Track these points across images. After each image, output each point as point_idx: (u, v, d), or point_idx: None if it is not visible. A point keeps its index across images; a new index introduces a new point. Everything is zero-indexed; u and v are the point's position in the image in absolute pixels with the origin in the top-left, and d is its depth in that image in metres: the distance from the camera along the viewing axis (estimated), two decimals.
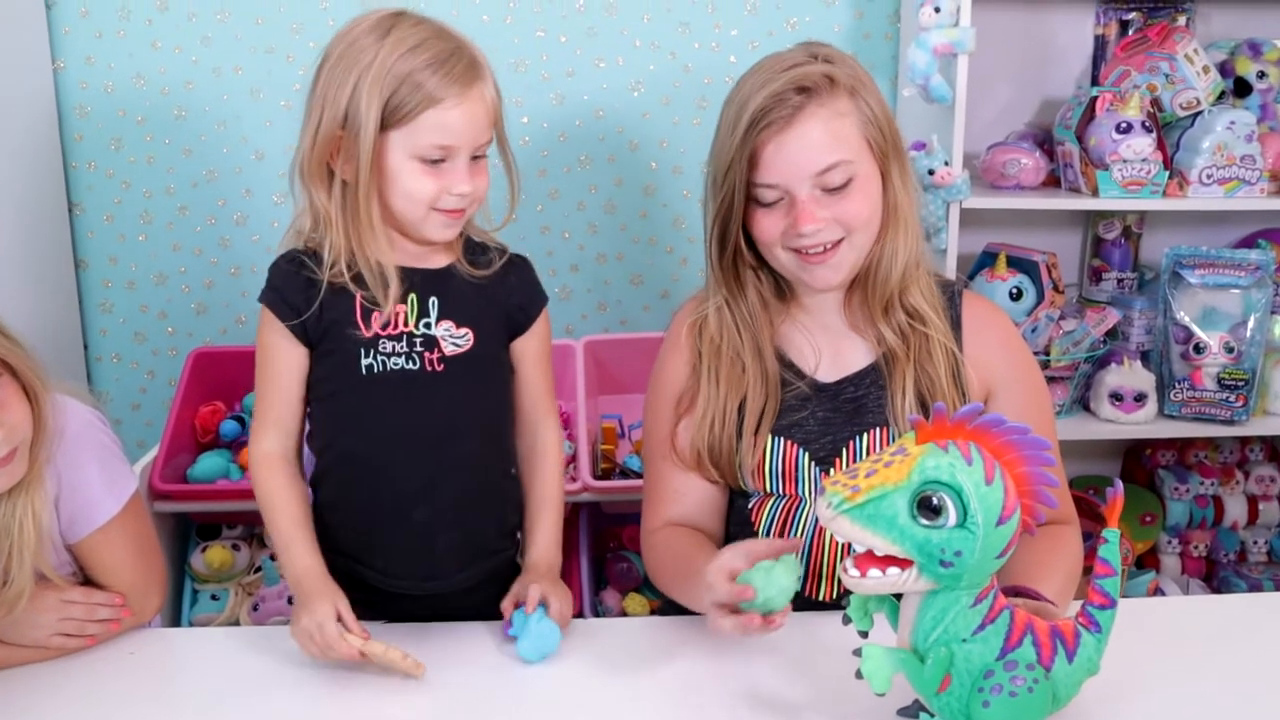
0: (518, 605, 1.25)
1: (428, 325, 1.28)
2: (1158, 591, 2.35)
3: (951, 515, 0.89)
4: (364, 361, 1.26)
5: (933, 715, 0.99)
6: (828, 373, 1.35)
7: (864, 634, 1.03)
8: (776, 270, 1.34)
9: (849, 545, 0.93)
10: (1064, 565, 1.27)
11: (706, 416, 1.33)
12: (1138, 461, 2.52)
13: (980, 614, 0.95)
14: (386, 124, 1.20)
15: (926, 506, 0.89)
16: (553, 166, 2.34)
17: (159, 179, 2.31)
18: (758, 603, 1.06)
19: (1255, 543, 2.46)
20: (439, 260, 1.31)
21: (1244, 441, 2.47)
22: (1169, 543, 2.45)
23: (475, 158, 1.25)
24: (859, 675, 0.96)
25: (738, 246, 1.31)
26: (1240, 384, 2.13)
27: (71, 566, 1.29)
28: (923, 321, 1.31)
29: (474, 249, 1.34)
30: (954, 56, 1.98)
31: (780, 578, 1.07)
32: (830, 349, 1.36)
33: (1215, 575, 2.47)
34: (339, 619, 1.17)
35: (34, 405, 1.16)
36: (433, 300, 1.29)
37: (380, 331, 1.26)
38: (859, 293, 1.34)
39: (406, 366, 1.27)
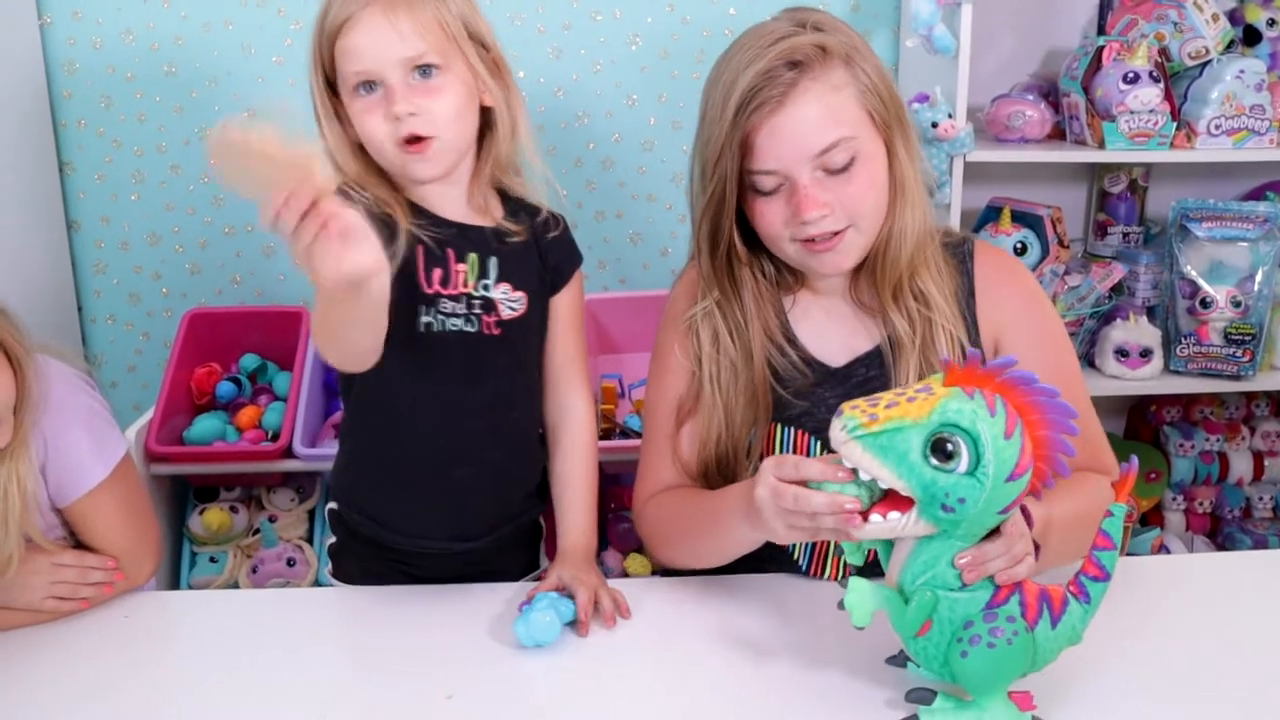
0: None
1: (486, 287, 1.24)
2: (1162, 548, 2.34)
3: (964, 461, 0.88)
4: (423, 319, 1.21)
5: (919, 665, 0.98)
6: (837, 356, 1.29)
7: (857, 569, 1.01)
8: (780, 259, 1.27)
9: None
10: (1075, 497, 1.13)
11: (711, 431, 1.27)
12: (1143, 418, 2.51)
13: None
14: (329, 77, 1.18)
15: (940, 448, 0.88)
16: (549, 122, 2.30)
17: (150, 137, 2.27)
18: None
19: (1261, 499, 2.45)
20: (483, 219, 1.27)
21: (1250, 397, 2.45)
22: (1174, 499, 2.44)
23: (423, 74, 1.15)
24: (841, 606, 0.95)
25: (731, 243, 1.23)
26: (1247, 339, 2.11)
27: (63, 530, 1.27)
28: (928, 305, 1.24)
29: (513, 207, 1.29)
30: (958, 6, 1.94)
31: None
32: (839, 330, 1.30)
33: (1220, 531, 2.46)
34: None
35: (17, 371, 1.14)
36: (492, 261, 1.24)
37: (441, 290, 1.21)
38: (867, 275, 1.27)
39: (465, 329, 1.22)
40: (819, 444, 1.26)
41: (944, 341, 1.24)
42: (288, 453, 2.01)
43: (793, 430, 1.27)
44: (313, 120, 1.23)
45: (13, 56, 2.13)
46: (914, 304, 1.24)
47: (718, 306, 1.27)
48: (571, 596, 1.18)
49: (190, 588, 2.10)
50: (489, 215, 1.27)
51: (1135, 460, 0.96)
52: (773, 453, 1.26)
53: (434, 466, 1.27)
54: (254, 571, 2.08)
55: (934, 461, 0.88)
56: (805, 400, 1.27)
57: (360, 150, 1.21)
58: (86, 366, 1.30)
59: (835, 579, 1.27)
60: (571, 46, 2.28)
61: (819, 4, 2.27)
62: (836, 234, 1.19)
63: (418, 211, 1.21)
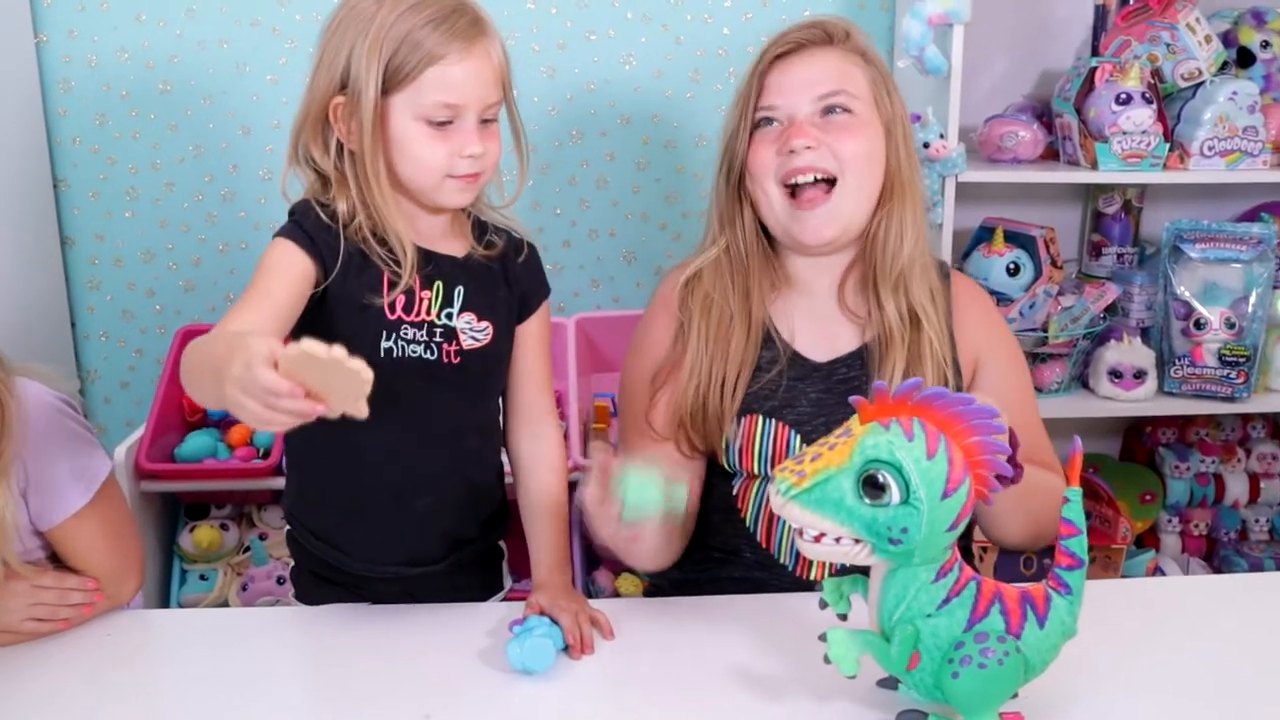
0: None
1: (449, 316, 1.23)
2: (1157, 571, 2.33)
3: (895, 492, 0.88)
4: (383, 344, 1.20)
5: (911, 689, 0.98)
6: (820, 353, 1.32)
7: (843, 617, 1.03)
8: (770, 230, 1.31)
9: None
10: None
11: (692, 378, 1.30)
12: (1138, 439, 2.50)
13: (944, 588, 0.94)
14: (388, 88, 1.16)
15: (873, 485, 0.89)
16: (543, 141, 2.30)
17: (145, 154, 2.28)
18: (625, 505, 1.02)
19: (1257, 521, 2.44)
20: (457, 248, 1.26)
21: (1246, 419, 2.44)
22: (1169, 521, 2.42)
23: (485, 122, 1.20)
24: (827, 660, 0.95)
25: (743, 176, 1.31)
26: (1241, 360, 2.10)
27: (45, 550, 1.27)
28: (918, 322, 1.28)
29: (482, 231, 1.29)
30: (949, 27, 1.94)
31: (649, 489, 1.02)
32: (822, 330, 1.33)
33: (1216, 554, 2.45)
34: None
35: None
36: (458, 290, 1.24)
37: (404, 316, 1.21)
38: (858, 271, 1.32)
39: (425, 356, 1.22)
40: (798, 437, 1.28)
41: (929, 358, 1.27)
42: (278, 470, 2.00)
43: (773, 423, 1.29)
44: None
45: (8, 74, 2.13)
46: (905, 312, 1.28)
47: (725, 253, 1.34)
48: (556, 621, 1.17)
49: (180, 605, 2.09)
50: (463, 241, 1.27)
51: (1078, 441, 0.95)
52: (752, 445, 1.29)
53: (392, 495, 1.26)
54: (244, 589, 2.07)
55: (868, 500, 0.89)
56: (787, 394, 1.29)
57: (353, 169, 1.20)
58: (76, 382, 1.29)
59: (821, 579, 1.27)
60: (565, 65, 2.28)
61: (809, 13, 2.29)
62: (825, 192, 1.25)
63: (380, 240, 1.20)
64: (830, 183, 1.26)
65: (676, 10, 2.27)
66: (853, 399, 0.93)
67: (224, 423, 2.15)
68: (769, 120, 1.29)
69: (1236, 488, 2.42)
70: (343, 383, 0.88)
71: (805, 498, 0.90)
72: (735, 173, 1.32)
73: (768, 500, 1.29)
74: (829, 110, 1.26)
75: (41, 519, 1.22)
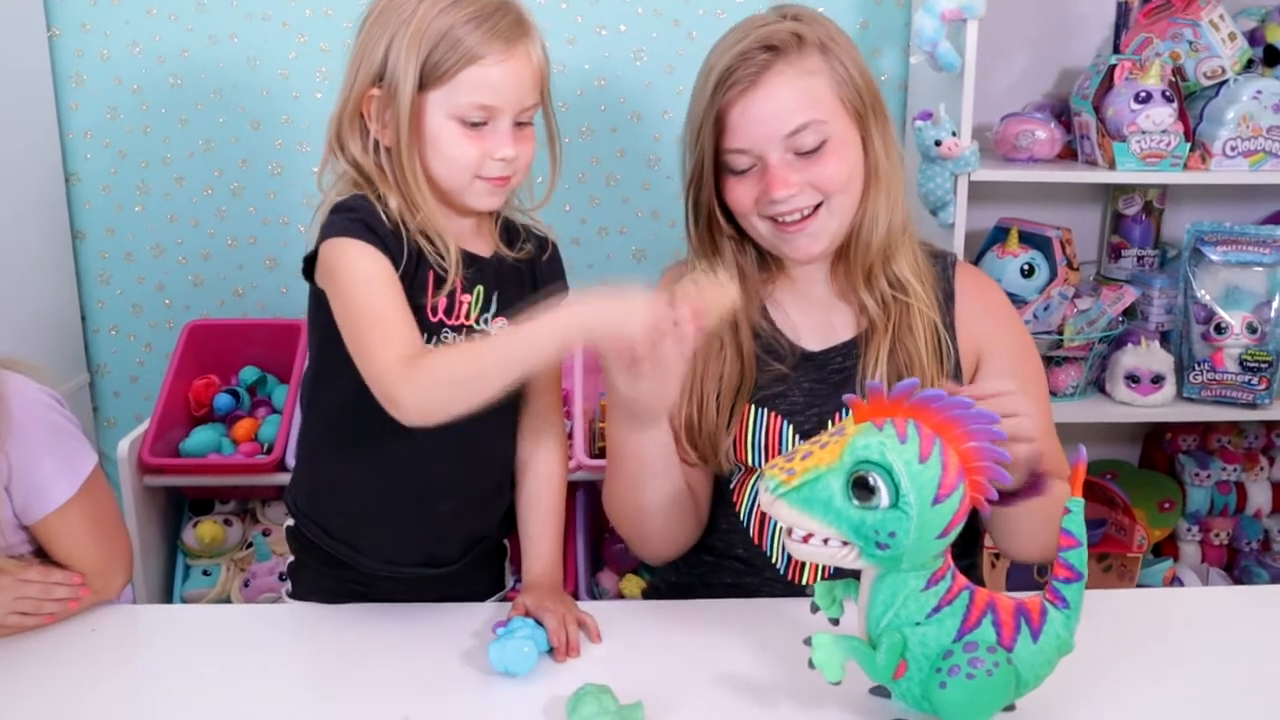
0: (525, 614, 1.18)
1: (485, 321, 1.21)
2: (1175, 580, 2.28)
3: (884, 495, 0.86)
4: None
5: (900, 698, 0.96)
6: (814, 341, 1.30)
7: (835, 621, 1.01)
8: (757, 241, 1.29)
9: None
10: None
11: (688, 396, 1.28)
12: (1158, 445, 2.45)
13: (936, 596, 0.91)
14: (425, 83, 1.13)
15: (862, 487, 0.86)
16: None
17: (155, 149, 2.27)
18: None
19: (1279, 531, 2.38)
20: (482, 247, 1.24)
21: (1270, 426, 2.39)
22: (1188, 530, 2.37)
23: (520, 124, 1.18)
24: (811, 665, 0.93)
25: (712, 215, 1.28)
26: (1263, 366, 2.05)
27: (30, 545, 1.26)
28: (905, 291, 1.26)
29: (510, 232, 1.27)
30: (963, 22, 1.90)
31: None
32: (818, 318, 1.31)
33: (1236, 564, 2.39)
34: None
35: None
36: (495, 295, 1.22)
37: (445, 319, 1.19)
38: (843, 260, 1.29)
39: None
40: (791, 427, 1.27)
41: (921, 328, 1.25)
42: (282, 466, 1.99)
43: (766, 412, 1.27)
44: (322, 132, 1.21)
45: (21, 67, 2.14)
46: (889, 289, 1.26)
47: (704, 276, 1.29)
48: (541, 624, 1.15)
49: (183, 600, 2.09)
50: (490, 241, 1.26)
51: (1083, 450, 0.93)
52: (745, 435, 1.27)
53: (416, 498, 1.24)
54: (246, 585, 2.07)
55: (856, 501, 0.87)
56: (781, 383, 1.28)
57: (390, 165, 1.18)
58: (84, 377, 1.28)
59: (813, 582, 1.26)
60: (576, 61, 2.26)
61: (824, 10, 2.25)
62: (807, 217, 1.22)
63: (430, 238, 1.18)
64: (816, 205, 1.23)
65: (688, 5, 2.24)
66: (847, 398, 0.91)
67: (230, 417, 2.14)
68: (739, 163, 1.23)
69: (1259, 496, 2.37)
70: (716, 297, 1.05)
71: (793, 496, 0.88)
72: (704, 213, 1.28)
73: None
74: (801, 144, 1.20)
75: (25, 513, 1.22)
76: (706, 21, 2.25)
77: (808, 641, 0.93)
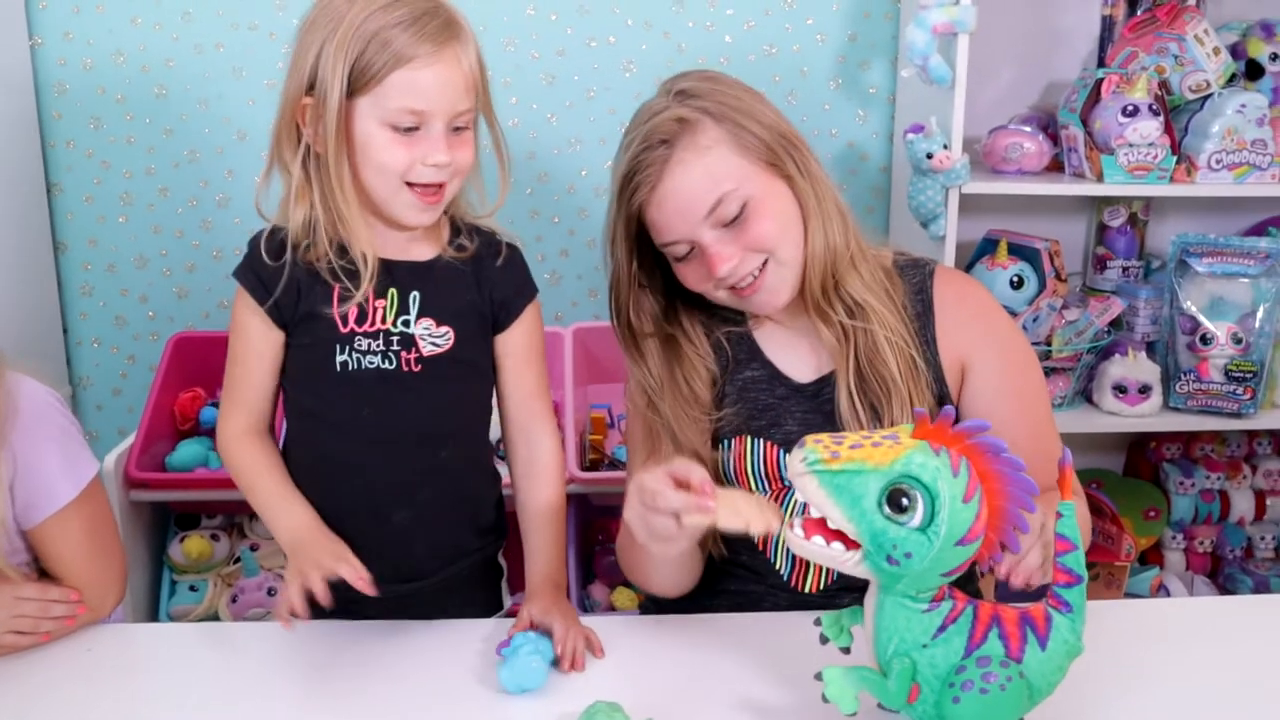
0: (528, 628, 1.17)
1: (406, 323, 1.20)
2: (1161, 588, 2.30)
3: (918, 516, 0.86)
4: (339, 358, 1.19)
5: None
6: (804, 373, 1.29)
7: (846, 650, 1.01)
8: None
9: (807, 506, 0.89)
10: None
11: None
12: (1142, 455, 2.47)
13: (939, 617, 0.91)
14: (354, 89, 1.11)
15: (896, 500, 0.86)
16: (542, 148, 2.28)
17: (139, 159, 2.25)
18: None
19: (1262, 538, 2.41)
20: (425, 251, 1.23)
21: (1252, 435, 2.41)
22: (1173, 538, 2.39)
23: (457, 130, 1.16)
24: (825, 699, 0.92)
25: (630, 322, 1.29)
26: (1248, 376, 2.07)
27: (26, 556, 1.24)
28: (865, 315, 1.23)
29: (461, 235, 1.26)
30: (954, 36, 1.91)
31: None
32: (805, 350, 1.30)
33: (1221, 572, 2.42)
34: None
35: None
36: (414, 296, 1.21)
37: (356, 328, 1.19)
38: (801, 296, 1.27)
39: (382, 366, 1.20)
40: (787, 456, 1.24)
41: (889, 350, 1.23)
42: None
43: (762, 443, 1.27)
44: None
45: (3, 76, 2.11)
46: (847, 318, 1.24)
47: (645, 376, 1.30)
48: (546, 633, 1.14)
49: (169, 617, 2.06)
50: (436, 244, 1.24)
51: (1068, 453, 0.93)
52: (745, 466, 1.27)
53: (368, 509, 1.24)
54: (234, 601, 2.04)
55: (887, 511, 0.86)
56: (774, 413, 1.27)
57: (319, 173, 1.17)
58: (68, 389, 1.27)
59: (816, 591, 1.28)
60: (565, 72, 2.26)
61: (812, 22, 2.26)
62: (759, 277, 1.22)
63: (340, 250, 1.18)
64: (763, 263, 1.22)
65: (678, 17, 2.25)
66: (917, 411, 0.91)
67: (215, 432, 2.11)
68: (678, 251, 1.23)
69: (1242, 504, 2.39)
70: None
71: (828, 478, 0.87)
72: (624, 317, 1.29)
73: None
74: (724, 215, 1.19)
75: (28, 514, 1.20)
76: (696, 34, 2.25)
77: (819, 676, 0.93)
